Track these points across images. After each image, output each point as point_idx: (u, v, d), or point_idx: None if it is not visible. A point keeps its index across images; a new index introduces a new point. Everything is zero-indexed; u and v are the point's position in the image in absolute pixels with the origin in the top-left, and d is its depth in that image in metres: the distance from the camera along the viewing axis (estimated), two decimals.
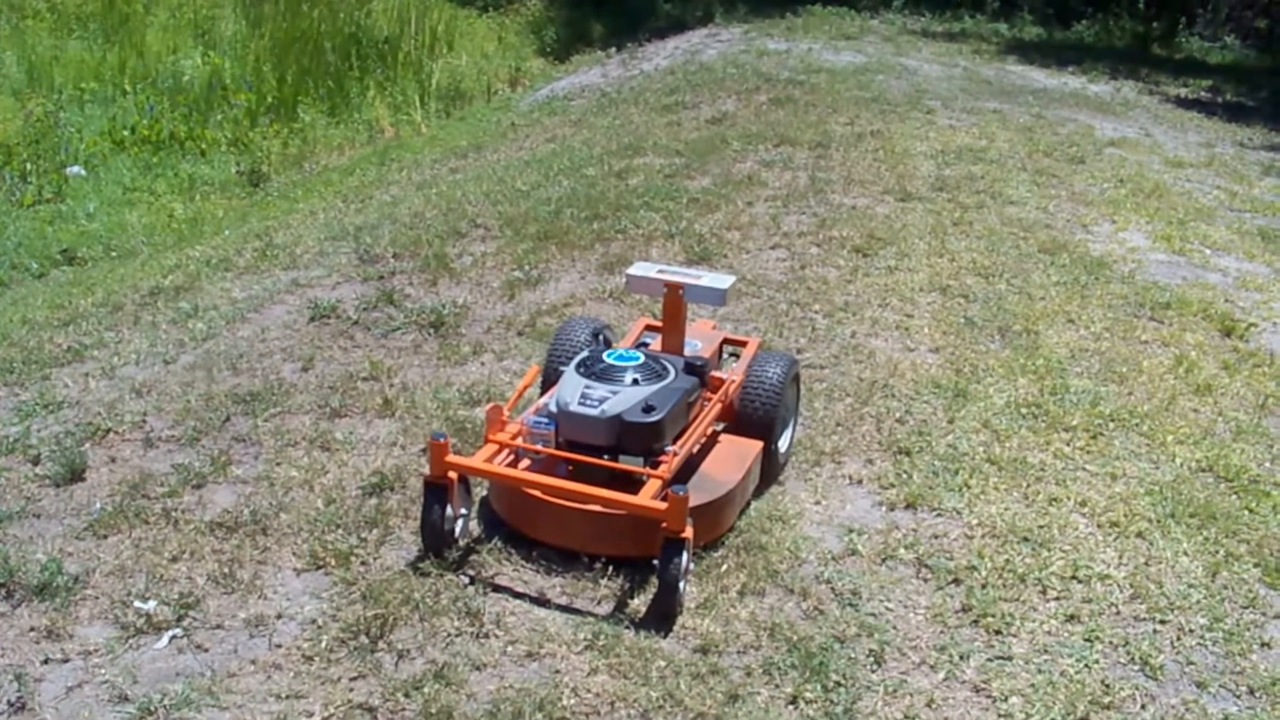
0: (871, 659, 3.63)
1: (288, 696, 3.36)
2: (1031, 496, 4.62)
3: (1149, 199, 8.93)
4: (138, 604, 3.76)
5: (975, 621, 3.85)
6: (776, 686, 3.47)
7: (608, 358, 4.24)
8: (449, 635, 3.60)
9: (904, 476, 4.67)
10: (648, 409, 3.98)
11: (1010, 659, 3.68)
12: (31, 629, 3.70)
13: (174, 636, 3.62)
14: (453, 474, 3.96)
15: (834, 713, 3.38)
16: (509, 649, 3.56)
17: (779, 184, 8.47)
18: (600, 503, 3.84)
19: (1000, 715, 3.44)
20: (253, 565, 3.96)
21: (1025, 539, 4.31)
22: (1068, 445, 5.05)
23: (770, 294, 6.42)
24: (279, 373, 5.45)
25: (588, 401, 4.02)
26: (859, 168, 9.00)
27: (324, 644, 3.56)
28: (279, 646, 3.58)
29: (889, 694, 3.49)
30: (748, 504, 4.36)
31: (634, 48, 15.96)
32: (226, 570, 3.92)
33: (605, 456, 4.00)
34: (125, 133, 13.12)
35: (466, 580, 3.87)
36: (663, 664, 3.50)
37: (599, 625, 3.65)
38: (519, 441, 4.14)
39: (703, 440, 4.33)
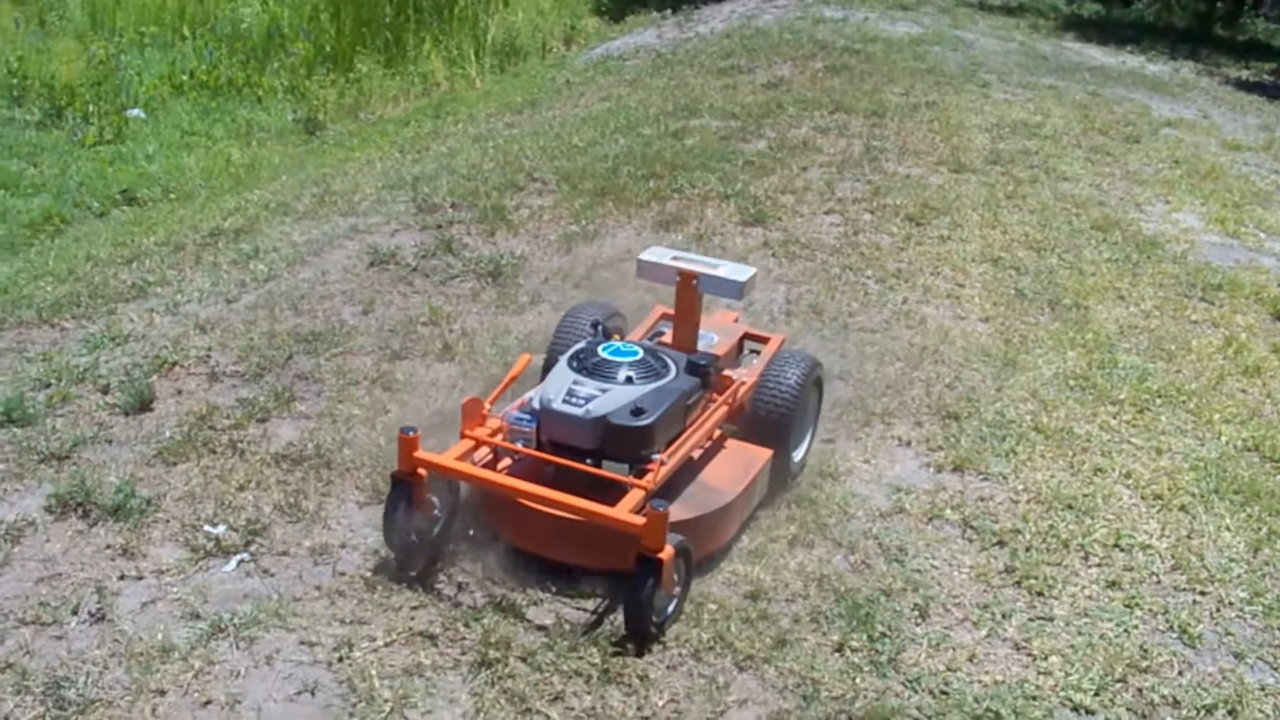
0: (916, 613, 3.72)
1: (351, 622, 3.49)
2: (1077, 466, 4.68)
3: (1204, 181, 8.92)
4: (207, 528, 3.90)
5: (1018, 583, 3.93)
6: (824, 634, 3.57)
7: (603, 351, 3.92)
8: (505, 570, 3.71)
9: (952, 440, 4.75)
10: (637, 412, 3.66)
11: (1051, 620, 3.76)
12: (108, 547, 3.85)
13: (241, 561, 3.76)
14: (422, 471, 3.67)
15: (879, 661, 3.47)
16: (564, 587, 3.67)
17: (834, 150, 8.51)
18: (572, 511, 3.51)
19: (1040, 673, 3.52)
20: (317, 497, 4.09)
21: (1069, 506, 4.38)
22: (1114, 418, 5.10)
23: (823, 258, 6.49)
24: (340, 315, 5.57)
25: (573, 399, 3.70)
26: (913, 138, 9.03)
27: (386, 574, 3.68)
28: (342, 574, 3.71)
29: (932, 647, 3.58)
30: (751, 515, 4.10)
31: (689, 10, 15.93)
32: (291, 500, 4.05)
33: (589, 461, 3.68)
34: (184, 77, 13.27)
35: None
36: (714, 607, 3.61)
37: None
38: (498, 439, 3.82)
39: (704, 446, 4.05)
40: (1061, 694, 3.44)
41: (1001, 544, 4.12)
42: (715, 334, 4.60)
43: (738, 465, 4.02)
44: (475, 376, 4.93)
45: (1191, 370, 5.66)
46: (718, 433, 4.15)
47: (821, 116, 9.42)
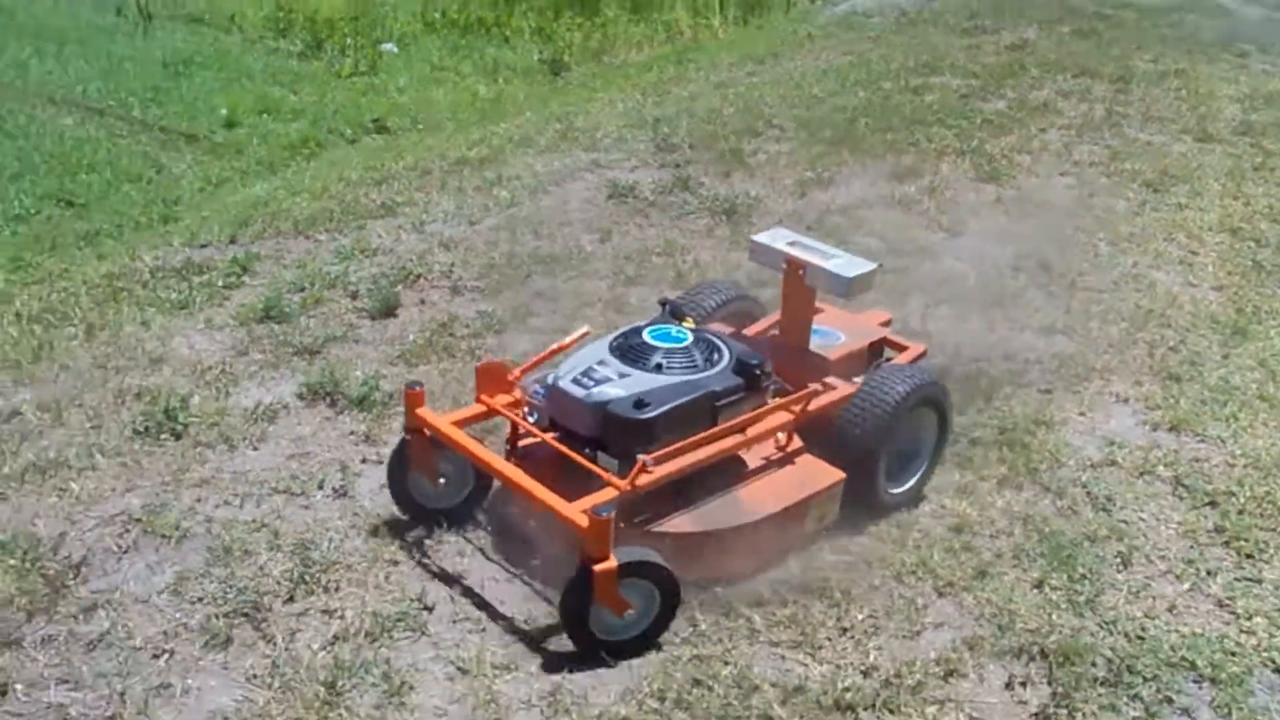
0: (1119, 560, 3.78)
1: None
2: None
3: None
4: None
5: (1227, 543, 3.94)
6: (1024, 570, 3.67)
7: (648, 333, 3.63)
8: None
9: (1171, 401, 4.74)
10: (640, 404, 3.33)
11: (1260, 582, 3.76)
12: (351, 433, 4.23)
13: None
14: (427, 430, 3.57)
15: (1077, 601, 3.56)
16: None
17: (1074, 114, 8.43)
18: (529, 498, 3.28)
19: (1243, 631, 3.54)
20: None
21: None
22: None
23: (1055, 218, 6.48)
24: (578, 241, 5.85)
25: (584, 380, 3.46)
26: (1159, 105, 8.85)
27: None
28: None
29: (1132, 594, 3.64)
30: (804, 538, 3.66)
31: None
32: None
33: (588, 450, 3.41)
34: (436, 15, 13.83)
35: None
36: (919, 535, 3.75)
37: None
38: (509, 410, 3.63)
39: (765, 455, 3.69)
40: (1264, 654, 3.44)
41: (1213, 504, 4.13)
42: (843, 333, 4.20)
43: (789, 484, 3.61)
44: None
45: None
46: (789, 442, 3.73)
47: (1064, 80, 9.31)
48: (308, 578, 3.48)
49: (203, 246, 6.15)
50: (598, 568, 3.04)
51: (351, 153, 9.71)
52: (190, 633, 3.31)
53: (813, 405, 3.73)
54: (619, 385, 3.41)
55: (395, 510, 3.75)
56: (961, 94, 8.66)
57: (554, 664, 3.19)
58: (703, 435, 3.42)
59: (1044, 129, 8.00)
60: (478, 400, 3.67)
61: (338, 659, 3.16)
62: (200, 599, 3.44)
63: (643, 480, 3.23)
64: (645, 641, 3.25)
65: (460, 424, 3.60)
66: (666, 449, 3.30)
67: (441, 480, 3.70)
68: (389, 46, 12.85)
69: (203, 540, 3.68)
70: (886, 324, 4.50)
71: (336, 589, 3.46)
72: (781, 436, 3.71)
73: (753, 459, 3.67)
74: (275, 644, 3.25)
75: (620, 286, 5.34)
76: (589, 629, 3.16)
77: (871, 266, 3.87)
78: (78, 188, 9.03)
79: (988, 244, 5.98)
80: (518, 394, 3.67)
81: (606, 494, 3.19)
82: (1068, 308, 5.39)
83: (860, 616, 3.39)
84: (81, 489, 3.97)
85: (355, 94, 11.46)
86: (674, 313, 3.88)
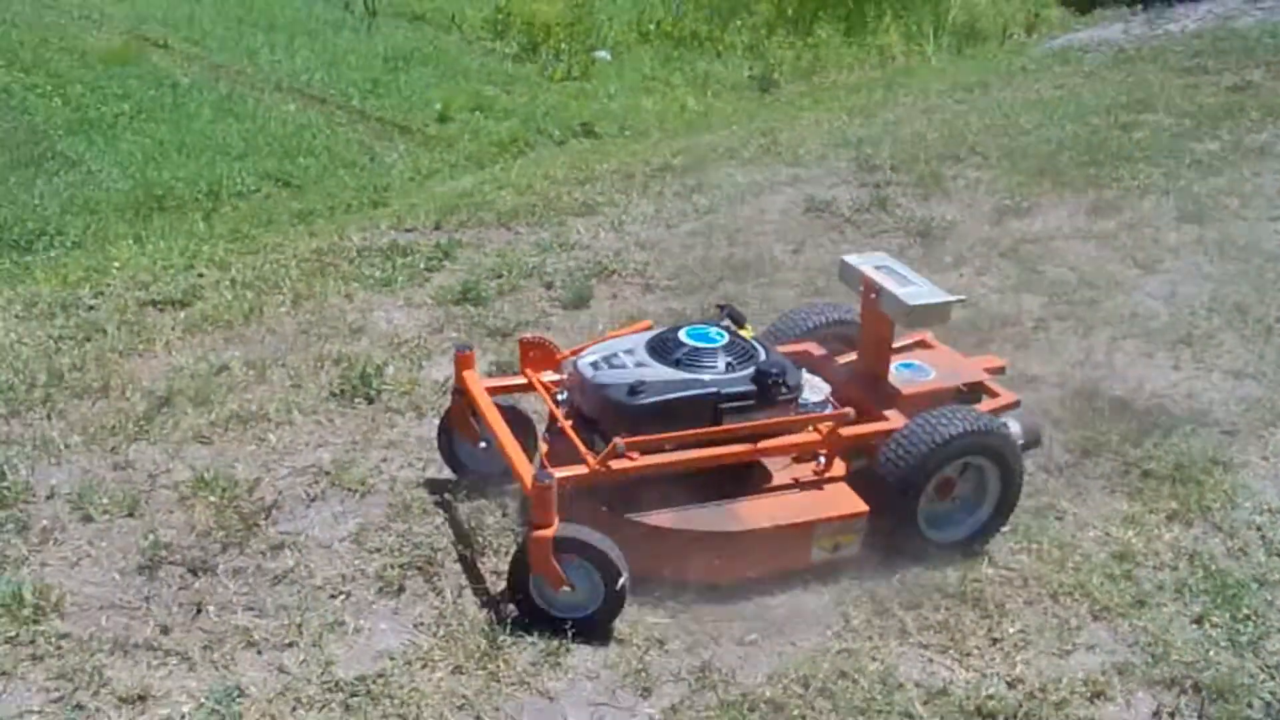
0: None
1: None
2: None
3: None
4: None
5: None
6: (1185, 604, 3.65)
7: (683, 332, 3.66)
8: None
9: None
10: (634, 390, 3.41)
11: None
12: (535, 411, 4.40)
13: None
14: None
15: (1238, 641, 3.52)
16: None
17: None
18: (513, 462, 3.43)
19: None
20: None
21: None
22: None
23: (1260, 262, 6.34)
24: (771, 251, 5.99)
25: (600, 364, 3.55)
26: None
27: None
28: None
29: None
30: (808, 565, 3.61)
31: (1162, 7, 15.39)
32: None
33: (596, 435, 3.49)
34: (650, 26, 14.10)
35: None
36: (1080, 558, 3.77)
37: (1029, 517, 3.94)
38: (544, 387, 3.81)
39: (764, 466, 3.69)
40: None
41: None
42: (935, 370, 4.09)
43: (799, 506, 3.58)
44: None
45: None
46: (829, 467, 3.70)
47: None
48: (479, 540, 3.69)
49: (408, 230, 6.48)
50: (535, 533, 3.19)
51: (558, 153, 10.02)
52: (366, 578, 3.57)
53: (846, 431, 3.65)
54: (629, 373, 3.48)
55: None
56: (1173, 133, 8.50)
57: (703, 643, 3.33)
58: (694, 433, 3.43)
59: (1258, 173, 7.80)
60: (521, 373, 3.86)
61: (500, 616, 3.36)
62: (378, 549, 3.70)
63: (616, 464, 3.32)
64: (593, 626, 3.33)
65: (495, 391, 3.79)
66: (649, 438, 3.37)
67: (482, 445, 3.90)
68: (603, 54, 13.17)
69: (385, 497, 3.96)
70: (997, 370, 4.31)
71: (505, 554, 3.65)
72: (823, 460, 3.69)
73: (783, 476, 3.67)
74: (444, 597, 3.48)
75: (808, 297, 5.45)
76: (529, 594, 3.31)
77: (946, 299, 3.73)
78: (295, 169, 9.55)
79: (1183, 283, 5.91)
80: (563, 373, 3.79)
81: (575, 468, 3.31)
82: (1261, 353, 5.29)
83: (1011, 629, 3.44)
84: (278, 440, 4.30)
85: (566, 98, 11.80)
86: (732, 316, 3.91)
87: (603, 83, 12.16)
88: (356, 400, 4.55)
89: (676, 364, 3.52)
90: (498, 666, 3.19)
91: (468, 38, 13.72)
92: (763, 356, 3.62)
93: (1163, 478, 4.27)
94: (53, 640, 3.28)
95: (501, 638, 3.27)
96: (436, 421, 4.16)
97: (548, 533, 3.18)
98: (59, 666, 3.18)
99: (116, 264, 6.40)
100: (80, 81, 10.93)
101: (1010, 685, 3.23)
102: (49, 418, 4.48)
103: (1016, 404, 4.13)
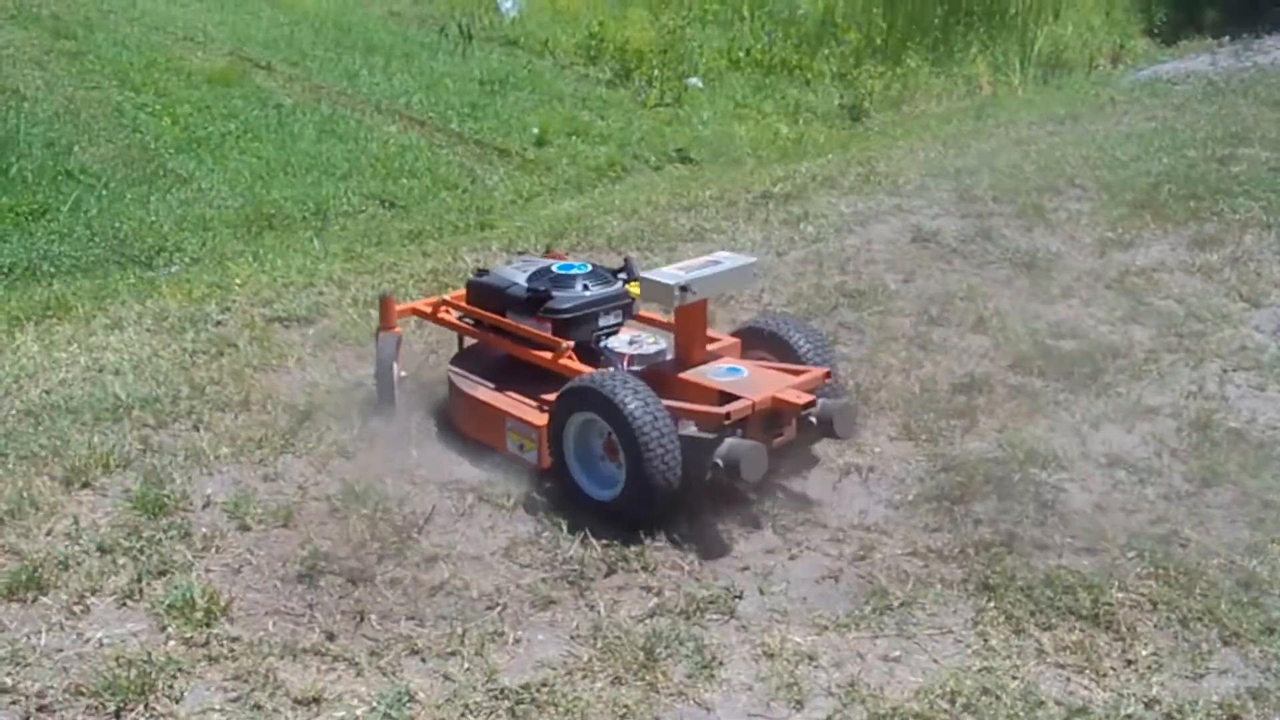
0: None
1: (875, 531, 4.02)
2: None
3: None
4: None
5: None
6: None
7: (555, 265, 4.69)
8: (1018, 516, 4.11)
9: None
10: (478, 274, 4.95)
11: None
12: None
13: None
14: None
15: None
16: (1068, 540, 4.03)
17: None
18: None
19: None
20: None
21: None
22: None
23: None
24: (882, 279, 6.12)
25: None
26: None
27: (910, 497, 4.19)
28: (871, 494, 4.24)
29: None
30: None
31: (1249, 39, 15.38)
32: None
33: None
34: (741, 54, 14.27)
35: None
36: (1206, 584, 3.86)
37: (1154, 543, 4.03)
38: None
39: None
40: None
41: None
42: (748, 376, 4.21)
43: (506, 400, 4.49)
44: (1007, 350, 5.34)
45: None
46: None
47: None
48: (628, 556, 3.85)
49: (520, 252, 6.66)
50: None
51: (656, 179, 10.22)
52: (520, 591, 3.73)
53: (551, 356, 4.42)
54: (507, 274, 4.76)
55: (706, 504, 4.10)
56: (1271, 166, 8.53)
57: (850, 659, 3.46)
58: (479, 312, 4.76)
59: None
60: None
61: (656, 630, 3.51)
62: (529, 564, 3.86)
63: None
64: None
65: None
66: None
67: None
68: (694, 81, 13.36)
69: (530, 513, 4.12)
70: (811, 389, 4.17)
71: (653, 570, 3.81)
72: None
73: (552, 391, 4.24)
74: (598, 610, 3.63)
75: (922, 325, 5.58)
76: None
77: (678, 277, 4.08)
78: (399, 190, 9.80)
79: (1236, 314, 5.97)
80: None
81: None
82: None
83: (1145, 652, 3.54)
84: (421, 456, 4.48)
85: (660, 123, 12.00)
86: (628, 267, 4.76)
87: (695, 109, 12.35)
88: None
89: (528, 275, 4.58)
90: (655, 677, 3.34)
91: (561, 63, 13.96)
92: (586, 294, 4.51)
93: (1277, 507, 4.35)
94: (225, 643, 3.46)
95: (658, 650, 3.42)
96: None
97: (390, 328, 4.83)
98: (234, 668, 3.36)
99: (238, 280, 6.64)
100: (188, 101, 11.25)
101: (1147, 706, 3.33)
102: (196, 429, 4.70)
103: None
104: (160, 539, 3.92)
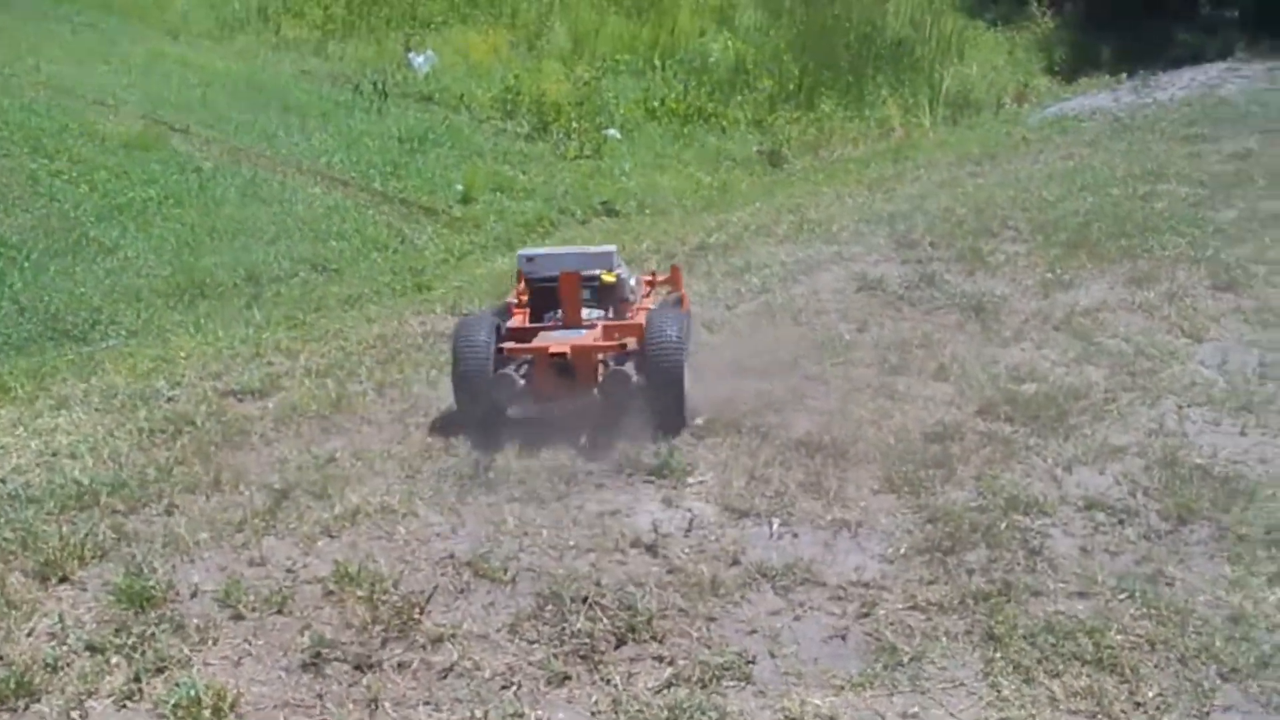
0: None
1: (874, 587, 4.05)
2: None
3: None
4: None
5: None
6: None
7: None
8: (1009, 564, 4.18)
9: None
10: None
11: None
12: (651, 497, 4.58)
13: (780, 523, 4.39)
14: None
15: None
16: (1060, 585, 4.10)
17: None
18: None
19: None
20: (835, 479, 4.68)
21: None
22: None
23: None
24: (836, 329, 6.19)
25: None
26: None
27: (902, 550, 4.24)
28: (864, 549, 4.29)
29: None
30: None
31: (1146, 75, 15.91)
32: (813, 480, 4.66)
33: None
34: (656, 103, 14.41)
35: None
36: (1199, 621, 3.95)
37: (1142, 583, 4.11)
38: None
39: None
40: None
41: None
42: (599, 322, 5.50)
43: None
44: (970, 396, 5.42)
45: None
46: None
47: None
48: (635, 626, 3.84)
49: (466, 315, 6.62)
50: None
51: (585, 232, 10.24)
52: (532, 668, 3.69)
53: None
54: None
55: (704, 568, 4.11)
56: (1190, 202, 8.81)
57: (871, 717, 3.48)
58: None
59: (1279, 240, 8.10)
60: None
61: (675, 700, 3.50)
62: (537, 640, 3.82)
63: None
64: None
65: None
66: None
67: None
68: (612, 132, 13.45)
69: (530, 585, 4.08)
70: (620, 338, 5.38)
71: (663, 639, 3.80)
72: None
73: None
74: (614, 684, 3.60)
75: (885, 375, 5.66)
76: None
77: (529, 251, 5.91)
78: (329, 253, 9.74)
79: (1232, 351, 6.14)
80: None
81: None
82: None
83: (1151, 693, 3.60)
84: (408, 532, 4.44)
85: (582, 176, 12.06)
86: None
87: (616, 160, 12.43)
88: (475, 489, 4.70)
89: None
90: None
91: (478, 117, 13.97)
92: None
93: (1256, 541, 4.45)
94: None
95: None
96: (560, 505, 4.40)
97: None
98: None
99: (182, 354, 6.56)
100: (104, 167, 11.04)
101: None
102: (169, 513, 4.61)
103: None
104: (152, 633, 3.81)
